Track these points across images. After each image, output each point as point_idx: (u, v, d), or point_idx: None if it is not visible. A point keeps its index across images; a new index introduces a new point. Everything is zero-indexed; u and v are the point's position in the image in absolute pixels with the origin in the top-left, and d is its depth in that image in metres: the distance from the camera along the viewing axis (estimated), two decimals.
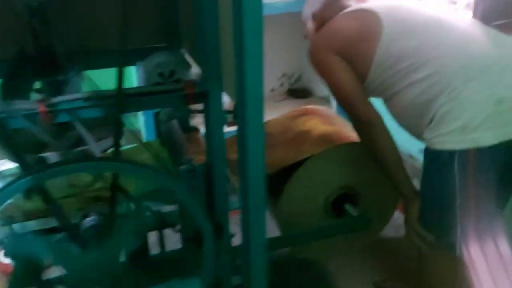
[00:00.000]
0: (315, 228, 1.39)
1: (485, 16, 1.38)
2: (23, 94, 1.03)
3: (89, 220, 1.01)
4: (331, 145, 1.39)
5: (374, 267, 1.82)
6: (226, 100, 2.31)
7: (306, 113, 1.61)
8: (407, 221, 1.26)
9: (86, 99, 0.96)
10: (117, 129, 0.94)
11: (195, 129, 1.58)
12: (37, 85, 1.17)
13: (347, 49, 1.22)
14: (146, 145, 1.37)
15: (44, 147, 1.17)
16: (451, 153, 1.08)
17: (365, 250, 1.81)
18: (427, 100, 1.12)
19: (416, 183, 1.26)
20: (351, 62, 1.23)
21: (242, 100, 0.84)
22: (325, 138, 1.43)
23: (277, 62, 2.49)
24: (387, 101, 1.26)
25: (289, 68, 2.54)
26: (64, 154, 1.10)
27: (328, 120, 1.55)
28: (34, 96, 1.16)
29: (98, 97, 0.96)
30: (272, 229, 1.46)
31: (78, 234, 0.98)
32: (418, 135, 1.19)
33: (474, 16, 1.43)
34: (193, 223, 1.08)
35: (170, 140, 1.34)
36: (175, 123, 1.44)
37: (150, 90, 1.01)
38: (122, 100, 0.92)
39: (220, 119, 1.12)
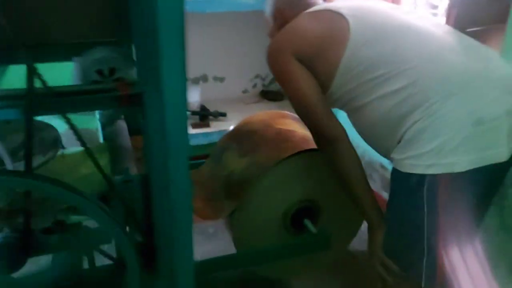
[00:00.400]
0: (270, 248, 1.27)
1: (458, 22, 1.27)
2: None
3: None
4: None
5: (342, 285, 1.73)
6: (192, 100, 2.22)
7: (284, 116, 1.49)
8: (370, 247, 1.15)
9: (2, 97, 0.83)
10: (27, 135, 0.81)
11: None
12: None
13: (309, 53, 1.10)
14: (88, 151, 1.24)
15: None
16: (421, 177, 0.97)
17: (334, 265, 1.71)
18: (399, 115, 1.00)
19: (386, 196, 1.15)
20: (312, 68, 1.10)
21: (162, 113, 0.70)
22: (307, 141, 1.32)
23: (250, 62, 2.36)
24: (351, 114, 1.14)
25: (263, 69, 2.42)
26: None
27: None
28: None
29: (10, 97, 0.83)
30: (229, 246, 1.35)
31: None
32: (385, 154, 1.08)
33: (447, 22, 1.33)
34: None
35: (112, 145, 1.21)
36: (121, 124, 1.31)
37: (77, 90, 0.88)
38: (33, 101, 0.79)
39: (159, 124, 0.99)
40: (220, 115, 2.12)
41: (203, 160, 1.51)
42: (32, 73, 0.77)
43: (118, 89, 0.88)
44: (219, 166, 1.40)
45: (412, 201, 0.99)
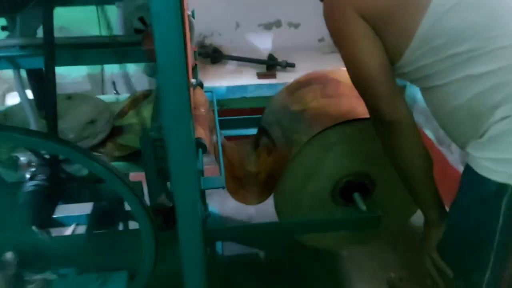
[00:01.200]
0: (312, 219, 1.18)
1: None
2: None
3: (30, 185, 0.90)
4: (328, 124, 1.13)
5: (393, 261, 1.61)
6: (263, 47, 2.10)
7: (309, 82, 1.33)
8: (424, 243, 1.01)
9: (23, 46, 0.80)
10: (49, 86, 0.78)
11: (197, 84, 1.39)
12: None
13: (377, 15, 0.88)
14: (132, 98, 1.21)
15: None
16: (501, 186, 0.80)
17: (391, 240, 1.60)
18: (484, 105, 0.82)
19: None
20: (382, 33, 0.89)
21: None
22: (320, 118, 1.17)
23: None
24: (424, 91, 0.94)
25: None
26: None
27: (329, 88, 1.27)
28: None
29: (36, 45, 0.80)
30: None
31: None
32: (461, 145, 0.90)
33: None
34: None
35: (156, 96, 1.16)
36: None
37: (101, 41, 0.82)
38: (52, 51, 0.75)
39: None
40: (288, 65, 1.99)
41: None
42: (50, 19, 0.72)
43: (145, 43, 0.81)
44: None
45: (485, 209, 0.84)
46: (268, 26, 2.20)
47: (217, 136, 1.20)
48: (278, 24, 2.20)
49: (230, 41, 2.20)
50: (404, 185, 0.99)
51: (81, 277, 0.87)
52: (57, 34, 1.34)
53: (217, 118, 1.33)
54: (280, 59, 2.02)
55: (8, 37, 0.89)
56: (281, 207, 1.24)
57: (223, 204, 1.84)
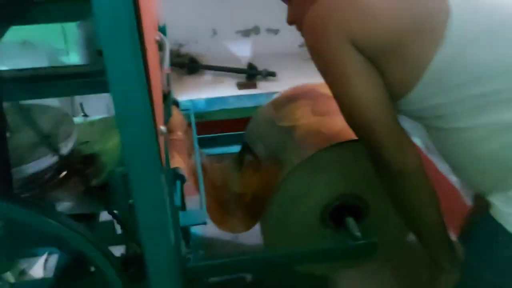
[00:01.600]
0: (306, 249, 1.09)
1: None
2: None
3: None
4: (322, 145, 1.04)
5: (389, 281, 1.54)
6: (242, 55, 2.01)
7: (296, 97, 1.24)
8: (433, 285, 0.90)
9: None
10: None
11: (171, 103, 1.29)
12: None
13: (379, 44, 0.72)
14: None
15: None
16: None
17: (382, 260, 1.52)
18: None
19: None
20: (383, 65, 0.74)
21: None
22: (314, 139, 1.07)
23: None
24: (437, 132, 0.79)
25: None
26: None
27: (320, 104, 1.17)
28: None
29: None
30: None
31: None
32: (480, 192, 0.80)
33: None
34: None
35: None
36: None
37: (50, 73, 0.72)
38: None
39: None
40: (268, 74, 1.90)
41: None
42: None
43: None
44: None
45: (509, 267, 0.76)
46: (246, 33, 2.11)
47: (196, 162, 1.10)
48: (256, 30, 2.11)
49: (207, 49, 2.11)
50: (412, 230, 0.89)
51: None
52: (20, 50, 1.21)
53: (196, 138, 1.23)
54: (260, 67, 1.93)
55: None
56: (267, 232, 1.15)
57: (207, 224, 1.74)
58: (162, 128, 0.50)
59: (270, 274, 1.52)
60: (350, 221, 1.11)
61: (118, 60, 0.47)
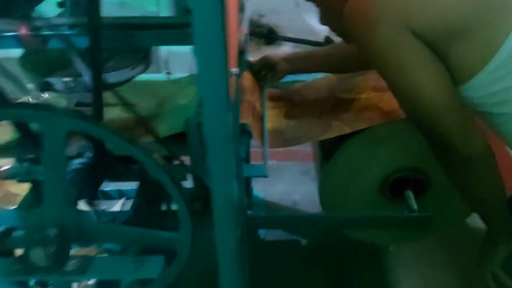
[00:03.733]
0: (359, 214, 1.12)
1: None
2: (19, 9, 0.91)
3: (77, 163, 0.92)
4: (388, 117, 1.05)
5: (442, 260, 1.53)
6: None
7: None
8: (485, 256, 0.91)
9: (72, 25, 0.80)
10: (93, 70, 0.77)
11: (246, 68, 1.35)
12: None
13: (442, 31, 0.69)
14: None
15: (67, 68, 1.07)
16: None
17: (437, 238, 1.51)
18: None
19: None
20: (446, 51, 0.71)
21: None
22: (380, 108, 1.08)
23: None
24: (500, 117, 0.77)
25: None
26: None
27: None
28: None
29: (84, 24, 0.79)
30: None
31: None
32: None
33: None
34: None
35: None
36: None
37: (149, 22, 0.80)
38: (97, 32, 0.74)
39: None
40: None
41: None
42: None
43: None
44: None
45: None
46: None
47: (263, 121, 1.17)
48: None
49: (287, 21, 2.14)
50: (473, 209, 0.91)
51: (119, 258, 0.88)
52: (118, 10, 1.34)
53: (265, 104, 1.30)
54: (337, 41, 1.94)
55: (59, 15, 0.90)
56: (326, 200, 1.20)
57: (268, 189, 1.83)
58: (234, 69, 0.56)
59: (324, 240, 1.58)
60: (409, 194, 1.12)
61: (202, 14, 0.54)
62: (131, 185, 1.43)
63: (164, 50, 1.96)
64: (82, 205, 0.92)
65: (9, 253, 0.93)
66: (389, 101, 1.09)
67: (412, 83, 0.73)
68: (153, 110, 1.13)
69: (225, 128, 0.59)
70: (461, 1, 0.70)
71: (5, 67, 0.79)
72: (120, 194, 1.59)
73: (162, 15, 1.95)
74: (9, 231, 0.89)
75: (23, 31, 0.79)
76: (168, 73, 1.40)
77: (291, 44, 2.05)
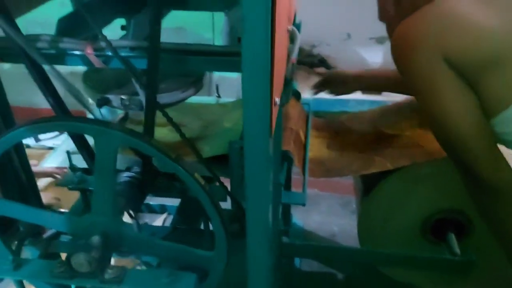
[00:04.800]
0: (400, 253, 1.10)
1: None
2: (86, 30, 0.98)
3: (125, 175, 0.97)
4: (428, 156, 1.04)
5: None
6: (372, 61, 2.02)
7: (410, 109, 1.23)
8: None
9: (132, 48, 0.86)
10: (148, 91, 0.83)
11: (294, 94, 1.38)
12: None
13: (475, 62, 0.71)
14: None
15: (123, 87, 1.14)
16: None
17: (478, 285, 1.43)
18: None
19: None
20: (478, 82, 0.73)
21: None
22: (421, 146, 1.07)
23: None
24: None
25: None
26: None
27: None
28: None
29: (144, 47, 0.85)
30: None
31: None
32: None
33: None
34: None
35: None
36: None
37: (204, 49, 0.85)
38: (155, 55, 0.80)
39: None
40: None
41: None
42: (157, 22, 0.77)
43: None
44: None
45: None
46: (380, 40, 2.12)
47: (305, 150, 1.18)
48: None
49: (339, 52, 2.16)
50: (502, 244, 0.87)
51: (154, 271, 0.91)
52: (174, 35, 1.40)
53: (309, 130, 1.31)
54: None
55: (122, 37, 0.97)
56: (364, 234, 1.18)
57: (307, 217, 1.82)
58: (277, 99, 0.59)
59: (360, 276, 1.54)
60: (451, 236, 1.09)
61: (251, 45, 0.57)
62: (173, 202, 1.48)
63: (216, 75, 2.04)
64: (125, 217, 0.96)
65: (55, 256, 0.99)
66: (432, 140, 1.08)
67: (444, 109, 0.76)
68: (198, 131, 1.18)
69: (265, 154, 0.61)
70: (495, 34, 0.72)
71: (70, 82, 0.86)
72: (162, 208, 1.64)
73: (216, 41, 2.05)
74: (57, 234, 0.95)
75: (89, 50, 0.86)
76: (218, 96, 1.45)
77: None
